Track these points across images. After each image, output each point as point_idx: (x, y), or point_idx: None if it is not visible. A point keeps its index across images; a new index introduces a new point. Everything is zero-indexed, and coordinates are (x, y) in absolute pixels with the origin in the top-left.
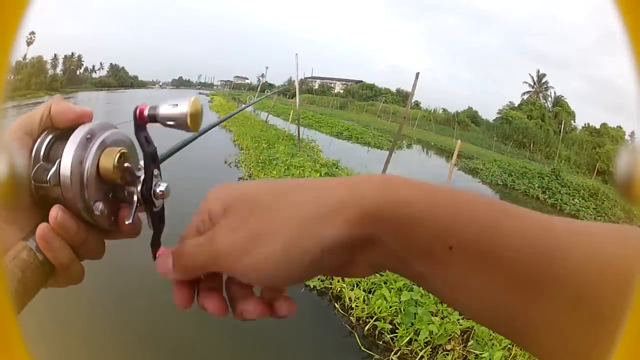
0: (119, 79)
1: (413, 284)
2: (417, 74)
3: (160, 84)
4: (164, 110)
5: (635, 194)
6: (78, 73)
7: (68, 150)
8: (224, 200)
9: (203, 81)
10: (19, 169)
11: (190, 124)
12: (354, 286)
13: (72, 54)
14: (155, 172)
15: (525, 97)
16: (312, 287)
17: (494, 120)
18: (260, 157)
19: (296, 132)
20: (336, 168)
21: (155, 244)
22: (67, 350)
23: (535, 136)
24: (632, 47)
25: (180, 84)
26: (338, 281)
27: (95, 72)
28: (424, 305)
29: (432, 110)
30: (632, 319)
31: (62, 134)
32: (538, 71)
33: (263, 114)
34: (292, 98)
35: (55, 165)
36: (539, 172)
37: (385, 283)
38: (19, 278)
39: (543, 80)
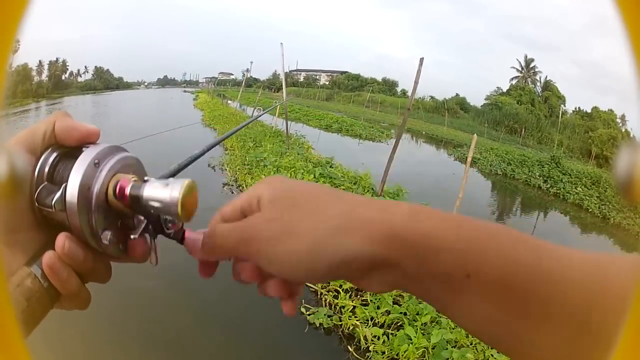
0: (104, 82)
1: (440, 317)
2: (422, 60)
3: (146, 84)
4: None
5: (635, 194)
6: (63, 78)
7: (74, 175)
8: (274, 191)
9: (188, 79)
10: (19, 175)
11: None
12: (368, 321)
13: (57, 59)
14: None
15: (514, 82)
16: (317, 324)
17: (482, 106)
18: (247, 159)
19: (284, 128)
20: (330, 167)
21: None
22: (67, 350)
23: (527, 121)
24: (632, 47)
25: (166, 82)
26: (349, 317)
27: (81, 76)
28: (458, 343)
29: (421, 98)
30: (625, 340)
31: (67, 152)
32: (526, 56)
33: (249, 110)
34: (277, 92)
35: (61, 190)
36: (539, 159)
37: (405, 314)
38: (23, 307)
39: (531, 65)
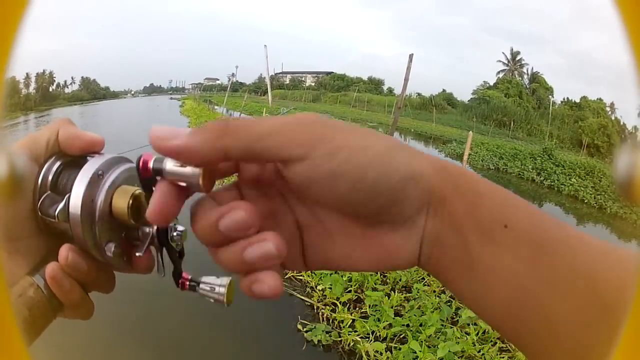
0: (91, 92)
1: (445, 327)
2: (411, 56)
3: (133, 92)
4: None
5: (635, 194)
6: (51, 90)
7: (78, 186)
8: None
9: (174, 86)
10: (18, 175)
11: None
12: (369, 335)
13: (44, 70)
14: None
15: (501, 75)
16: (316, 341)
17: (469, 100)
18: None
19: None
20: None
21: (178, 274)
22: (67, 349)
23: (515, 114)
24: (632, 47)
25: (152, 90)
26: (349, 332)
27: (68, 87)
28: (465, 353)
29: (408, 96)
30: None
31: (71, 161)
32: (512, 49)
33: (235, 115)
34: (263, 95)
35: (64, 201)
36: (531, 152)
37: (408, 326)
38: (25, 316)
39: (517, 58)
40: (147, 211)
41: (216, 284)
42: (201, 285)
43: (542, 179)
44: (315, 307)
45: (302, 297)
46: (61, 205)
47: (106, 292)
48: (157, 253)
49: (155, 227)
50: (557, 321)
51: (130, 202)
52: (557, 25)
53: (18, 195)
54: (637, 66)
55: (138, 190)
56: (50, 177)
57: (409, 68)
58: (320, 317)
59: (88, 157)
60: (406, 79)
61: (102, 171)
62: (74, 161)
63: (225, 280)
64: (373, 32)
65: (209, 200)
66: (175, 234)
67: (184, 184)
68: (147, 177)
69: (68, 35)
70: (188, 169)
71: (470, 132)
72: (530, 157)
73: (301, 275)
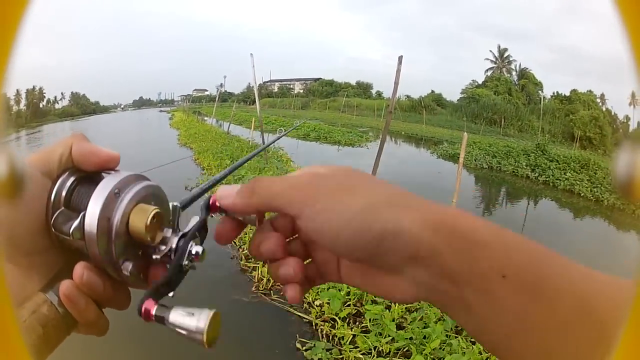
0: (81, 107)
1: (450, 339)
2: (400, 58)
3: (122, 106)
4: None
5: (635, 195)
6: (41, 106)
7: (94, 204)
8: (328, 169)
9: (163, 98)
10: (18, 175)
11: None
12: (372, 351)
13: (34, 87)
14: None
15: (489, 73)
16: None
17: (458, 100)
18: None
19: (261, 141)
20: None
21: (151, 294)
22: (66, 349)
23: (505, 111)
24: (632, 47)
25: (142, 104)
26: (351, 350)
27: (58, 103)
28: None
29: (397, 98)
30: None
31: (85, 176)
32: (499, 46)
33: (225, 125)
34: (252, 104)
35: (79, 219)
36: (524, 149)
37: (411, 339)
38: (39, 334)
39: (505, 55)
40: (215, 235)
41: (194, 314)
42: (171, 317)
43: (536, 175)
44: (313, 324)
45: (300, 314)
46: (76, 222)
47: (121, 309)
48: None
49: (175, 244)
50: (558, 356)
51: (149, 220)
52: (543, 20)
53: (16, 195)
54: (637, 66)
55: (156, 208)
56: (63, 193)
57: (398, 71)
58: (320, 334)
59: (103, 174)
60: (396, 83)
61: (119, 189)
62: (88, 177)
63: (207, 313)
64: (360, 36)
65: (259, 228)
66: (194, 251)
67: (241, 219)
68: (214, 211)
69: (57, 51)
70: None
71: (465, 133)
72: (523, 154)
73: None
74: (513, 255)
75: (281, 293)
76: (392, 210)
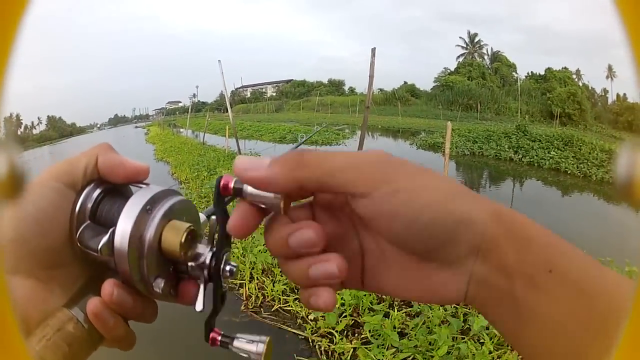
0: (58, 130)
1: (458, 345)
2: (374, 50)
3: (98, 125)
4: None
5: (635, 195)
6: (19, 133)
7: (124, 221)
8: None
9: (138, 114)
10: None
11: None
12: None
13: (11, 114)
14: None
15: (461, 59)
16: None
17: (432, 89)
18: (202, 191)
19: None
20: None
21: (211, 324)
22: None
23: (481, 95)
24: (632, 47)
25: (117, 121)
26: None
27: (35, 128)
28: None
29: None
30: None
31: (112, 189)
32: (469, 32)
33: (200, 135)
34: (226, 112)
35: (108, 235)
36: (504, 131)
37: (416, 348)
38: (65, 352)
39: (476, 40)
40: (229, 225)
41: (254, 341)
42: (235, 343)
43: (520, 156)
44: (310, 340)
45: (294, 331)
46: (105, 239)
47: (149, 323)
48: (203, 286)
49: (209, 260)
50: (587, 356)
51: (183, 238)
52: (511, 2)
53: (16, 195)
54: (637, 66)
55: (189, 225)
56: (89, 205)
57: (372, 64)
58: (318, 350)
59: (132, 187)
60: (371, 76)
61: (151, 206)
62: (115, 189)
63: (264, 339)
64: (328, 35)
65: (284, 216)
66: (228, 267)
67: (263, 205)
68: (225, 195)
69: (30, 76)
70: (270, 193)
71: (449, 122)
72: (504, 137)
73: (289, 306)
74: (558, 252)
75: (303, 302)
76: (467, 199)
